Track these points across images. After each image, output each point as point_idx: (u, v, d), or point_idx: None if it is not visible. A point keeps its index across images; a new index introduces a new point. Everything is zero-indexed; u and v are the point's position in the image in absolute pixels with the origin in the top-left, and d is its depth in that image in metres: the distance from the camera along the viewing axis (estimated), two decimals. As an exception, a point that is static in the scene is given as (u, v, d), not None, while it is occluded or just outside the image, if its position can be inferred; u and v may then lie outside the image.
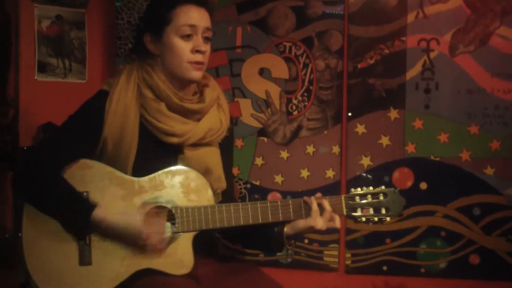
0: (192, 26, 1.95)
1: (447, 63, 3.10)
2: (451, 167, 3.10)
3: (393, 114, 3.16)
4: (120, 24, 3.43)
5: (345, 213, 2.03)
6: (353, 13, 3.20)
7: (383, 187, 2.06)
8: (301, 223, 2.00)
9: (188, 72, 1.97)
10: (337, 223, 2.00)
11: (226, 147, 2.15)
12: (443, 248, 3.13)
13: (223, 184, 2.08)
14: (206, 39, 2.00)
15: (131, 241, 1.89)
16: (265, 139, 3.32)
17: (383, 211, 2.04)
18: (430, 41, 3.11)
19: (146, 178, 1.96)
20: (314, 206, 1.98)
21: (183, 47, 1.95)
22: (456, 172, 3.10)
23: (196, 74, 1.99)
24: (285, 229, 2.02)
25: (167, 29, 1.96)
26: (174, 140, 1.99)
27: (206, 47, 2.00)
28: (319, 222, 1.96)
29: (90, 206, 1.88)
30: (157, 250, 1.91)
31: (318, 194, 2.04)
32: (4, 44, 3.17)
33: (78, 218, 1.87)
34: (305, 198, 2.00)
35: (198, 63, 1.97)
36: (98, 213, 1.87)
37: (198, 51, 1.96)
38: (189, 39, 1.96)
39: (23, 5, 3.24)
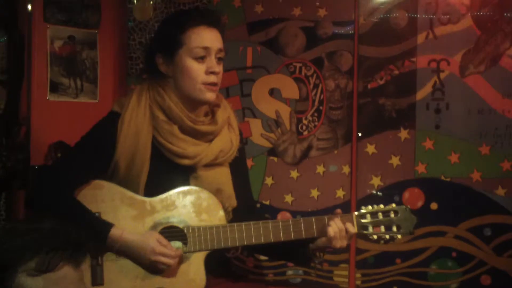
0: (206, 48, 1.96)
1: (457, 84, 3.11)
2: (462, 187, 3.09)
3: (404, 134, 3.17)
4: (131, 45, 3.47)
5: (356, 230, 2.03)
6: (363, 33, 3.22)
7: (393, 205, 2.07)
8: (323, 241, 2.01)
9: (203, 94, 1.98)
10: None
11: (237, 166, 2.16)
12: (454, 269, 3.11)
13: (233, 202, 2.10)
14: (219, 59, 2.02)
15: (144, 260, 1.90)
16: (275, 158, 3.33)
17: (394, 228, 2.04)
18: (440, 62, 3.13)
19: (157, 198, 1.97)
20: (340, 225, 1.99)
21: (197, 69, 1.96)
22: (467, 193, 3.09)
23: (211, 96, 2.00)
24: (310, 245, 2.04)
25: (180, 51, 1.97)
26: (186, 162, 2.01)
27: (219, 68, 2.01)
28: (344, 242, 1.98)
29: (107, 225, 1.89)
30: (170, 270, 1.91)
31: (338, 210, 2.04)
32: (17, 64, 3.21)
33: (95, 237, 1.88)
34: (329, 217, 2.01)
35: (212, 84, 1.98)
36: (115, 232, 1.88)
37: (212, 73, 1.97)
38: (203, 60, 1.97)
39: (36, 25, 3.29)
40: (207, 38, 1.98)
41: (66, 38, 3.38)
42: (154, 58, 2.03)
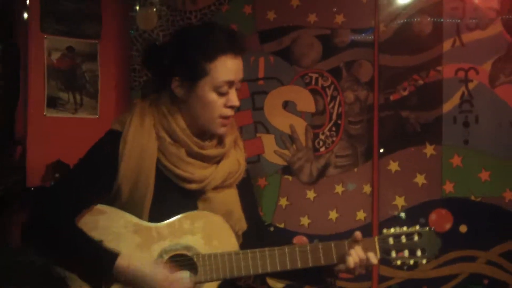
0: (230, 82, 1.95)
1: (487, 95, 3.09)
2: (493, 208, 3.07)
3: (429, 150, 3.15)
4: (134, 56, 3.46)
5: (379, 256, 2.01)
6: (384, 41, 3.21)
7: (417, 226, 2.04)
8: (341, 268, 1.99)
9: (217, 128, 1.98)
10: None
11: (245, 187, 2.15)
12: (487, 298, 3.08)
13: (243, 225, 2.08)
14: (237, 89, 2.01)
15: None
16: (290, 177, 3.31)
17: (419, 252, 2.01)
18: (468, 71, 3.10)
19: (164, 223, 1.94)
20: (361, 254, 1.97)
21: (217, 103, 1.95)
22: (499, 214, 3.06)
23: (223, 130, 2.00)
24: None
25: (203, 81, 1.95)
26: (193, 186, 1.98)
27: (238, 100, 2.01)
28: (363, 270, 1.96)
29: (113, 255, 1.87)
30: None
31: (358, 234, 2.01)
32: (12, 78, 3.22)
33: (100, 268, 1.86)
34: (350, 243, 1.98)
35: (228, 117, 1.98)
36: (122, 262, 1.86)
37: (231, 106, 1.97)
38: (224, 94, 1.96)
39: (32, 36, 3.29)
40: (233, 70, 1.94)
41: (65, 50, 3.38)
42: (169, 79, 2.01)
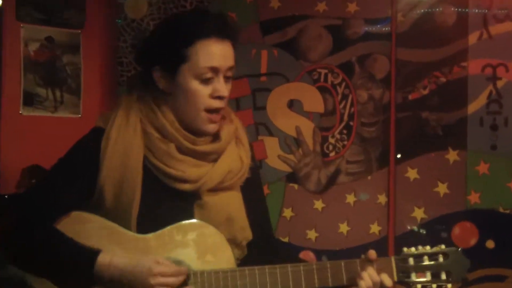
0: (214, 69, 1.94)
1: (517, 94, 3.08)
2: (524, 221, 3.05)
3: (452, 156, 3.15)
4: (122, 47, 3.47)
5: (396, 278, 2.00)
6: (402, 33, 3.21)
7: (442, 246, 2.03)
8: None
9: (203, 125, 1.96)
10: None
11: (250, 189, 2.14)
12: (517, 322, 3.07)
13: (248, 234, 2.06)
14: (227, 78, 2.01)
15: (140, 286, 1.88)
16: (296, 185, 3.32)
17: (443, 276, 1.99)
18: (496, 67, 3.10)
19: (152, 235, 1.93)
20: (375, 277, 1.96)
21: (201, 92, 1.94)
22: (531, 227, 3.04)
23: (212, 128, 1.98)
24: None
25: (183, 68, 1.94)
26: (187, 187, 1.97)
27: (227, 90, 2.00)
28: None
29: (92, 252, 1.87)
30: None
31: (372, 253, 2.00)
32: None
33: (81, 267, 1.87)
34: (362, 263, 1.98)
35: (216, 111, 1.97)
36: (103, 259, 1.87)
37: (218, 97, 1.97)
38: (208, 81, 1.96)
39: (7, 25, 3.27)
40: (217, 55, 1.94)
41: (44, 40, 3.37)
42: (150, 69, 2.02)
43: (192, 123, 1.98)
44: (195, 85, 1.95)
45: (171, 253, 1.93)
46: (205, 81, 1.95)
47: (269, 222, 2.28)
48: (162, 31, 2.06)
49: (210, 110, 1.96)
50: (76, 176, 1.95)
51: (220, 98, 1.96)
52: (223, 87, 1.96)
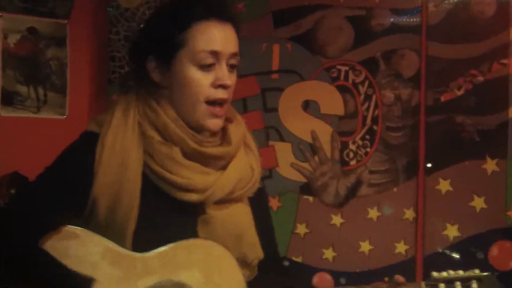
0: (214, 53, 1.94)
1: None
2: None
3: (491, 165, 3.16)
4: (114, 40, 3.45)
5: (424, 308, 2.00)
6: (434, 25, 3.22)
7: (477, 270, 2.04)
8: None
9: (204, 119, 1.96)
10: None
11: (259, 202, 2.13)
12: None
13: (259, 252, 2.06)
14: (232, 67, 2.00)
15: None
16: (311, 198, 3.31)
17: (476, 303, 2.01)
18: (542, 65, 3.09)
19: (152, 253, 1.92)
20: None
21: (201, 80, 1.94)
22: None
23: (214, 124, 1.97)
24: None
25: (180, 54, 1.94)
26: (193, 197, 1.96)
27: (232, 79, 1.99)
28: None
29: (85, 282, 1.86)
30: None
31: (399, 278, 2.00)
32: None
33: None
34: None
35: (219, 102, 1.96)
36: None
37: (221, 86, 1.96)
38: (210, 69, 1.96)
39: (-17, 14, 3.30)
40: (217, 38, 1.95)
41: (25, 31, 3.36)
42: (144, 61, 2.02)
43: (191, 118, 1.97)
44: (194, 72, 1.95)
45: (174, 275, 1.93)
46: (205, 68, 1.94)
47: (275, 239, 2.26)
48: (157, 18, 2.06)
49: (211, 102, 1.96)
50: (66, 188, 1.95)
51: (223, 87, 1.96)
52: (226, 74, 1.95)
